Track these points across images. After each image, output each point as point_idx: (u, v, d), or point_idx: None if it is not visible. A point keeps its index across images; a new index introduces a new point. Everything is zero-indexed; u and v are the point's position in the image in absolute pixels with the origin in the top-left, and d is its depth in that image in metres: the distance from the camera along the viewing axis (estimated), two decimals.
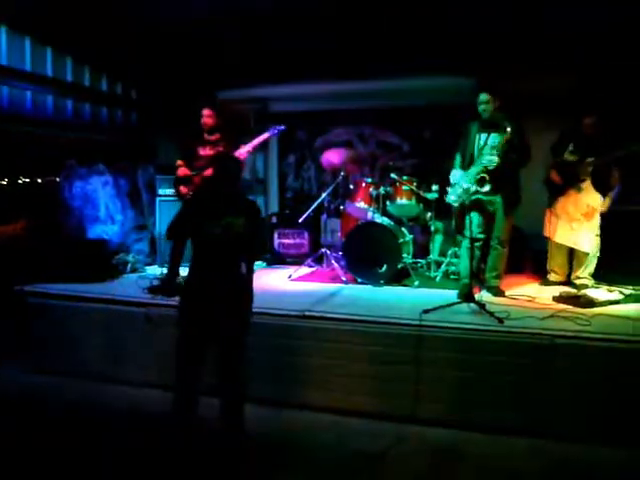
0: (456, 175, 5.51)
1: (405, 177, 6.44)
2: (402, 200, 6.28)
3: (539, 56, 6.61)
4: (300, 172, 9.09)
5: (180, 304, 3.70)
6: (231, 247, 3.63)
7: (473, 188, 5.25)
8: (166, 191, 7.03)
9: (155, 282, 5.56)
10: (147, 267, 6.90)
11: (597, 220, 5.65)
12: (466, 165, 5.49)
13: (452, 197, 5.52)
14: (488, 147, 5.30)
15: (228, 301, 3.65)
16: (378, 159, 8.44)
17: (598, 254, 5.73)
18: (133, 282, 5.87)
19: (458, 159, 5.62)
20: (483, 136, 5.38)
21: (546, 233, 6.00)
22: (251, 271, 3.82)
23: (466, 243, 5.44)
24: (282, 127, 6.36)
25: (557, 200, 5.83)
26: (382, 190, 6.44)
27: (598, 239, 5.68)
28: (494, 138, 5.31)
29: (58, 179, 7.06)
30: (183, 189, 6.17)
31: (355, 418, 4.35)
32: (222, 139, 6.19)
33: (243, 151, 6.03)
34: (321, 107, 8.58)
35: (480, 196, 5.31)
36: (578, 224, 5.68)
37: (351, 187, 6.66)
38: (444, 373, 4.29)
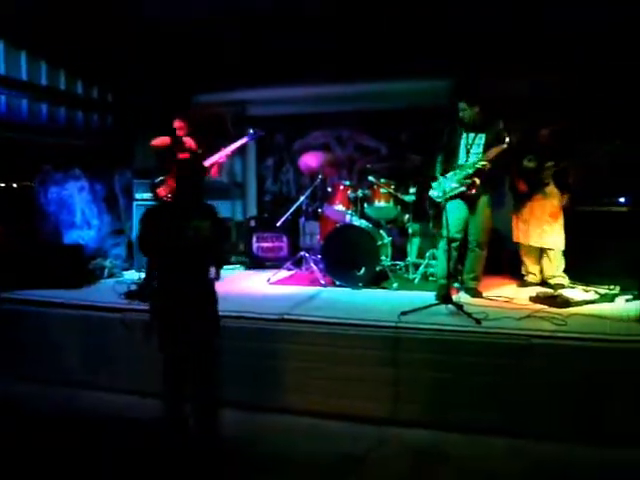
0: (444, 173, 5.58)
1: (383, 180, 6.46)
2: (380, 203, 6.30)
3: (512, 59, 6.70)
4: (278, 175, 9.07)
5: (151, 308, 3.69)
6: (200, 251, 3.63)
7: (460, 189, 5.35)
8: (143, 195, 6.96)
9: (132, 287, 5.52)
10: (124, 272, 6.84)
11: (562, 218, 5.81)
12: (450, 166, 5.56)
13: (435, 193, 5.59)
14: (474, 148, 5.43)
15: (198, 305, 3.66)
16: (356, 162, 8.45)
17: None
18: (110, 287, 5.82)
19: (440, 160, 5.67)
20: (470, 136, 5.50)
21: (515, 239, 6.11)
22: (218, 275, 3.83)
23: (443, 244, 5.49)
24: (261, 132, 6.35)
25: (524, 205, 5.97)
26: (360, 193, 6.47)
27: (563, 237, 5.82)
28: (479, 139, 5.44)
29: (33, 184, 6.97)
30: (161, 192, 6.12)
31: (334, 421, 4.34)
32: (199, 144, 6.17)
33: (222, 155, 6.02)
34: (299, 110, 8.57)
35: (462, 189, 5.38)
36: (548, 225, 5.80)
37: (329, 190, 6.67)
38: (423, 374, 4.31)
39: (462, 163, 5.49)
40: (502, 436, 4.05)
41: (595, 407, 4.02)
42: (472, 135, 5.50)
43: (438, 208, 5.80)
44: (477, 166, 5.36)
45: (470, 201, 5.46)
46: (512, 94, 6.84)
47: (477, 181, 5.31)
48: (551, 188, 5.85)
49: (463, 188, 5.39)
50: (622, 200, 5.92)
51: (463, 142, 5.53)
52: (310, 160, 6.93)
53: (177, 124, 6.20)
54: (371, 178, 6.45)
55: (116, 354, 5.01)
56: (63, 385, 5.08)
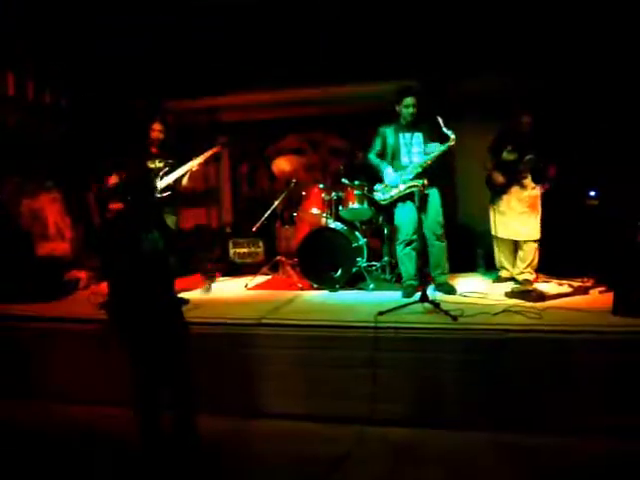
0: (390, 176, 5.65)
1: (356, 182, 6.49)
2: (354, 205, 6.32)
3: (478, 58, 6.77)
4: (253, 181, 9.07)
5: (116, 324, 3.67)
6: (160, 261, 3.61)
7: (409, 191, 5.49)
8: (117, 205, 6.90)
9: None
10: (100, 283, 6.77)
11: (540, 209, 5.84)
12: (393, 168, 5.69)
13: (381, 195, 5.74)
14: (415, 147, 5.59)
15: (163, 316, 3.66)
16: (330, 165, 8.48)
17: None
18: (85, 299, 5.76)
19: (380, 160, 5.79)
20: (407, 136, 5.63)
21: (494, 233, 6.11)
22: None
23: (401, 248, 5.70)
24: (230, 142, 6.31)
25: (500, 198, 5.96)
26: (334, 195, 6.48)
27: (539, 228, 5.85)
28: (417, 138, 5.62)
29: (3, 196, 6.88)
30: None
31: (314, 423, 4.33)
32: (170, 152, 6.12)
33: (193, 165, 5.96)
34: (271, 115, 8.58)
35: (414, 189, 5.40)
36: (526, 217, 5.81)
37: (303, 194, 6.68)
38: (401, 373, 4.33)
39: (405, 164, 5.61)
40: (482, 431, 4.07)
41: (572, 399, 4.07)
42: (408, 134, 5.63)
43: (387, 211, 5.95)
44: (424, 166, 5.49)
45: (419, 198, 5.45)
46: (482, 92, 6.94)
47: (425, 182, 5.31)
48: (528, 181, 5.85)
49: (411, 190, 5.45)
50: (592, 194, 6.02)
51: (401, 142, 5.63)
52: (284, 164, 6.93)
53: (157, 126, 6.12)
54: (344, 180, 6.47)
55: (92, 366, 4.94)
56: (38, 399, 5.00)
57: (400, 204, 5.67)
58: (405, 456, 3.87)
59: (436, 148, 5.50)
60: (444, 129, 5.32)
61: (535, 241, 5.82)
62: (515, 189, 5.86)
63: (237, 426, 4.35)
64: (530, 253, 5.85)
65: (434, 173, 5.58)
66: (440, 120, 5.33)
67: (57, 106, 7.96)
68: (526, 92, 6.61)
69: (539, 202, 5.84)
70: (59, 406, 4.88)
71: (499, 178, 5.92)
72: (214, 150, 6.18)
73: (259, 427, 4.37)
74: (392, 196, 5.65)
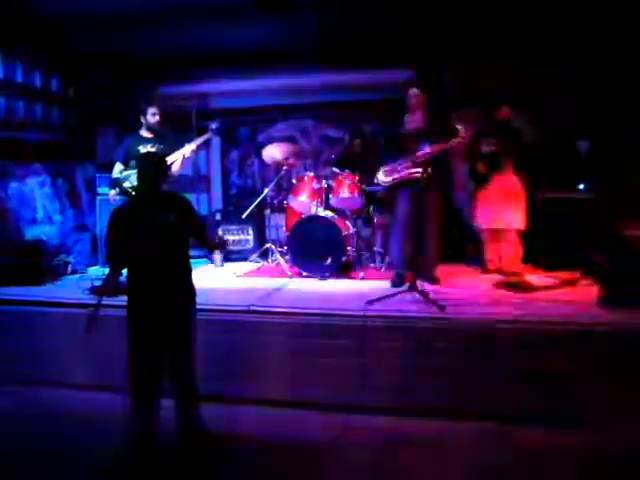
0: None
1: (347, 170, 6.49)
2: (344, 193, 6.32)
3: (476, 49, 6.78)
4: (243, 168, 9.05)
5: (128, 307, 3.65)
6: (170, 244, 3.60)
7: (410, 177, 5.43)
8: (105, 190, 6.84)
9: (96, 282, 5.45)
10: (89, 268, 6.76)
11: (524, 198, 5.89)
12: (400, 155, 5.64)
13: (382, 178, 5.70)
14: (423, 137, 5.48)
15: (176, 299, 3.65)
16: (321, 153, 8.47)
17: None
18: (74, 283, 5.75)
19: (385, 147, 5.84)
20: (415, 127, 5.57)
21: (480, 224, 6.17)
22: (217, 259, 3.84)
23: (395, 235, 5.70)
24: (223, 125, 6.25)
25: (485, 188, 6.03)
26: (324, 184, 6.48)
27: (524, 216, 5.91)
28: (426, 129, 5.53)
29: None
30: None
31: (303, 410, 4.36)
32: (163, 137, 6.09)
33: (185, 152, 5.92)
34: (263, 103, 8.56)
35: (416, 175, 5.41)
36: (508, 205, 5.88)
37: (294, 182, 6.67)
38: (389, 361, 4.36)
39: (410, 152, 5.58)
40: (468, 420, 4.12)
41: (558, 390, 4.11)
42: (415, 125, 5.58)
43: (387, 196, 5.96)
44: (426, 156, 5.45)
45: (421, 191, 5.44)
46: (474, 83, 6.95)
47: (428, 170, 5.29)
48: (508, 166, 5.94)
49: (412, 176, 5.44)
50: (582, 187, 6.05)
51: (410, 132, 5.61)
52: (274, 152, 6.91)
53: (152, 110, 6.03)
54: (335, 169, 6.47)
55: (81, 350, 4.93)
56: (25, 384, 4.99)
57: (398, 192, 5.66)
58: (391, 444, 3.90)
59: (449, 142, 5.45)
60: (453, 123, 5.29)
61: (518, 231, 5.86)
62: (498, 178, 5.94)
63: (224, 413, 4.34)
64: (513, 243, 5.89)
65: (440, 168, 5.55)
66: (452, 114, 5.34)
67: (64, 94, 7.90)
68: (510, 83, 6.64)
69: (523, 192, 5.91)
70: (47, 390, 4.89)
71: (481, 168, 6.01)
72: (206, 136, 6.14)
73: (246, 413, 4.38)
74: (393, 179, 5.62)
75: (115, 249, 3.66)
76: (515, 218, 5.86)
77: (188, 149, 5.90)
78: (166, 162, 3.87)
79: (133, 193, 5.71)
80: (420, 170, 5.31)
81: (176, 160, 5.87)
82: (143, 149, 5.98)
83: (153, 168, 3.70)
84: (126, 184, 5.85)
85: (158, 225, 3.56)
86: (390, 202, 6.05)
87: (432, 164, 5.42)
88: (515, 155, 5.94)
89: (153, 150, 5.87)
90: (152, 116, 6.04)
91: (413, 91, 5.57)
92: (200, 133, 6.20)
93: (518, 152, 5.91)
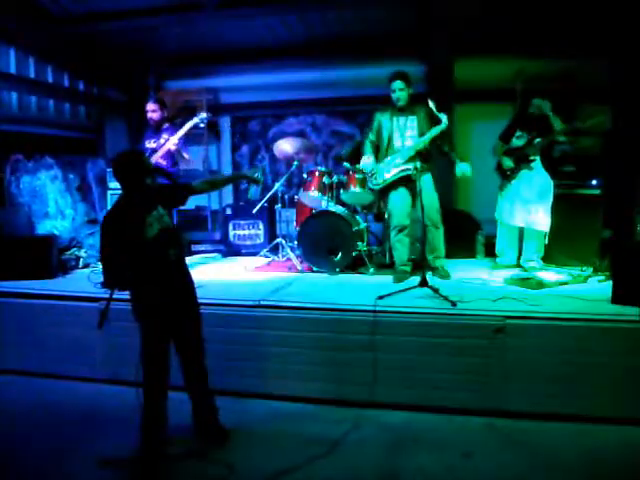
0: (365, 162, 5.69)
1: (358, 165, 6.46)
2: (355, 188, 6.30)
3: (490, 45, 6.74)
4: (254, 163, 9.05)
5: (137, 306, 3.66)
6: (169, 240, 3.60)
7: (401, 175, 5.49)
8: (117, 184, 6.86)
9: None
10: (99, 262, 6.77)
11: (551, 199, 5.73)
12: (384, 150, 5.68)
13: (374, 180, 5.73)
14: (409, 131, 5.57)
15: (182, 294, 3.68)
16: (332, 148, 8.47)
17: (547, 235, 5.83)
18: (85, 277, 5.76)
19: (368, 147, 5.79)
20: (401, 120, 5.61)
21: (502, 218, 6.04)
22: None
23: (394, 233, 5.72)
24: (210, 116, 6.18)
25: (510, 184, 5.90)
26: (335, 179, 6.47)
27: (550, 218, 5.75)
28: (411, 121, 5.58)
29: (4, 174, 6.86)
30: None
31: (313, 405, 4.38)
32: (168, 131, 6.07)
33: (170, 143, 5.83)
34: (274, 97, 8.55)
35: (408, 173, 5.44)
36: (534, 206, 5.73)
37: (305, 177, 6.66)
38: (400, 357, 4.34)
39: (398, 148, 5.59)
40: (479, 415, 4.12)
41: (569, 386, 4.10)
42: (402, 118, 5.61)
43: (381, 195, 5.99)
44: (418, 149, 5.48)
45: (413, 184, 5.43)
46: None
47: (418, 165, 5.28)
48: (537, 163, 5.78)
49: (404, 173, 5.45)
50: (594, 182, 5.99)
51: (395, 126, 5.61)
52: (285, 147, 6.90)
53: (150, 106, 6.09)
54: (346, 164, 6.45)
55: (92, 344, 4.96)
56: (38, 376, 5.05)
57: (393, 190, 5.67)
58: (402, 440, 3.90)
59: (431, 132, 5.48)
60: (435, 112, 5.31)
61: (541, 231, 5.80)
62: (524, 173, 5.81)
63: (236, 407, 4.36)
64: (538, 242, 5.83)
65: (428, 158, 5.61)
66: (431, 104, 5.31)
67: (76, 89, 7.92)
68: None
69: (551, 191, 5.74)
70: (61, 383, 4.94)
71: (508, 163, 5.87)
72: (190, 124, 5.87)
73: (257, 408, 4.39)
74: (385, 180, 5.63)
75: (114, 264, 3.55)
76: (541, 219, 5.71)
77: (171, 142, 5.84)
78: (143, 156, 3.78)
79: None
80: (409, 167, 5.36)
81: (160, 151, 5.84)
82: (147, 145, 6.00)
83: (133, 166, 3.61)
84: None
85: (152, 224, 3.54)
86: (385, 200, 6.04)
87: (421, 156, 5.44)
88: (546, 150, 5.82)
89: (153, 146, 5.90)
90: (151, 113, 6.07)
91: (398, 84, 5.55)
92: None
93: (550, 146, 5.82)
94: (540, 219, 5.73)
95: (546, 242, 5.83)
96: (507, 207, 5.95)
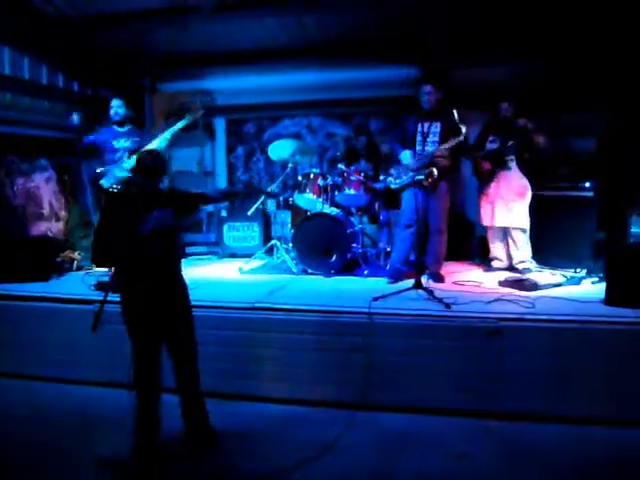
0: (407, 157, 5.61)
1: (353, 167, 6.48)
2: (350, 190, 6.31)
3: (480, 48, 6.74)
4: (249, 165, 9.03)
5: (124, 306, 3.65)
6: (164, 241, 3.59)
7: (417, 178, 5.39)
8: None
9: (102, 278, 5.46)
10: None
11: (529, 197, 5.87)
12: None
13: (393, 180, 5.72)
14: (431, 136, 5.52)
15: (173, 296, 3.66)
16: (327, 150, 8.46)
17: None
18: (79, 279, 5.75)
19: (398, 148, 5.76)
20: (425, 125, 5.56)
21: (484, 222, 6.16)
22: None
23: (399, 232, 5.75)
24: (201, 113, 6.16)
25: (489, 187, 6.02)
26: (330, 181, 6.47)
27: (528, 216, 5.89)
28: (435, 127, 5.53)
29: None
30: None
31: (306, 407, 4.38)
32: (141, 130, 6.01)
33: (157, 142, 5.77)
34: (269, 99, 8.54)
35: (422, 177, 5.40)
36: (514, 204, 5.86)
37: (300, 179, 6.66)
38: (394, 359, 4.35)
39: (419, 152, 5.56)
40: (473, 417, 4.13)
41: (563, 387, 4.11)
42: (427, 124, 5.58)
43: (393, 195, 6.00)
44: (435, 155, 5.46)
45: (427, 189, 5.43)
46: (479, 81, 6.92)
47: (434, 171, 5.31)
48: (514, 165, 5.91)
49: (420, 177, 5.42)
50: (588, 185, 6.02)
51: (419, 130, 5.60)
52: (280, 148, 6.89)
53: (114, 103, 6.07)
54: (341, 166, 6.45)
55: (86, 346, 4.94)
56: (32, 379, 5.02)
57: (406, 190, 5.65)
58: (396, 442, 3.90)
59: (449, 142, 5.42)
60: (457, 122, 5.23)
61: (522, 229, 5.85)
62: (502, 175, 5.92)
63: (229, 409, 4.35)
64: (521, 242, 5.87)
65: (445, 167, 5.57)
66: (455, 113, 5.22)
67: (69, 90, 7.87)
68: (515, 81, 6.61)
69: (528, 191, 5.88)
70: (54, 386, 4.92)
71: (485, 165, 5.98)
72: (177, 126, 5.85)
73: (250, 410, 4.38)
74: (402, 183, 5.62)
75: (107, 242, 3.54)
76: (519, 217, 5.85)
77: (160, 140, 5.79)
78: (158, 158, 3.77)
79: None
80: (425, 172, 5.34)
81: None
82: (116, 144, 5.96)
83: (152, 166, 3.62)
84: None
85: (150, 222, 3.52)
86: (395, 199, 6.06)
87: (438, 163, 5.44)
88: (521, 153, 5.90)
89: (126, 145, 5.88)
90: (117, 107, 6.03)
91: (427, 88, 5.55)
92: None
93: (524, 150, 5.88)
94: (519, 216, 5.85)
95: (528, 242, 5.91)
96: (488, 209, 6.04)
